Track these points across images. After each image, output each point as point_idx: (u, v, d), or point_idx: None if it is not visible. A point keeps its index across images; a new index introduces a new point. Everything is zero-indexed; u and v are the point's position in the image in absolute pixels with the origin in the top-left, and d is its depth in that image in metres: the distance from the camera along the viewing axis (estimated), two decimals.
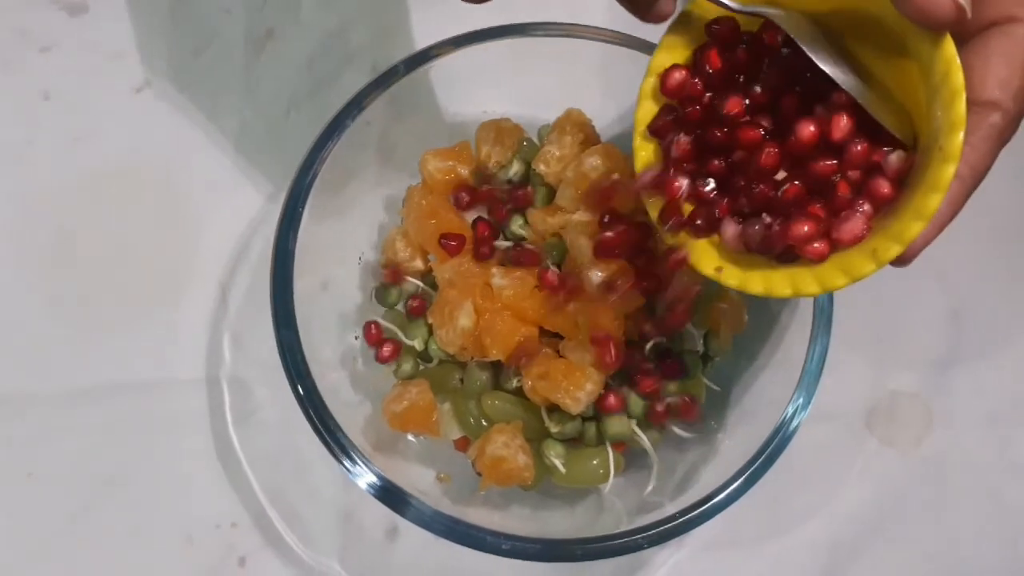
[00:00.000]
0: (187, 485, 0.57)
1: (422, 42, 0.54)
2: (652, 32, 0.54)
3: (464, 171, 0.55)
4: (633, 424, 0.52)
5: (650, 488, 0.52)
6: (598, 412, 0.52)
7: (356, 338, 0.56)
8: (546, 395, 0.50)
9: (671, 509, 0.48)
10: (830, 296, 0.51)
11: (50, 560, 0.55)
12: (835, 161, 0.40)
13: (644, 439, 0.52)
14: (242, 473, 0.57)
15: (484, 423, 0.52)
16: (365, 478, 0.48)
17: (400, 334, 0.54)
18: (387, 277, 0.56)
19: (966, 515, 0.59)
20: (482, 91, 0.55)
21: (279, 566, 0.56)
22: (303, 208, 0.50)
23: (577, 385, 0.49)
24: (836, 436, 0.60)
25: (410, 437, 0.54)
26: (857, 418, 0.61)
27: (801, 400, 0.50)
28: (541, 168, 0.55)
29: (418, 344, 0.54)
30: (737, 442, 0.51)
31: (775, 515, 0.58)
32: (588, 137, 0.55)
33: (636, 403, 0.52)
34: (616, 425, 0.51)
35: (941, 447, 0.60)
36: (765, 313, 0.54)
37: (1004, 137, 0.40)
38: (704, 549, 0.57)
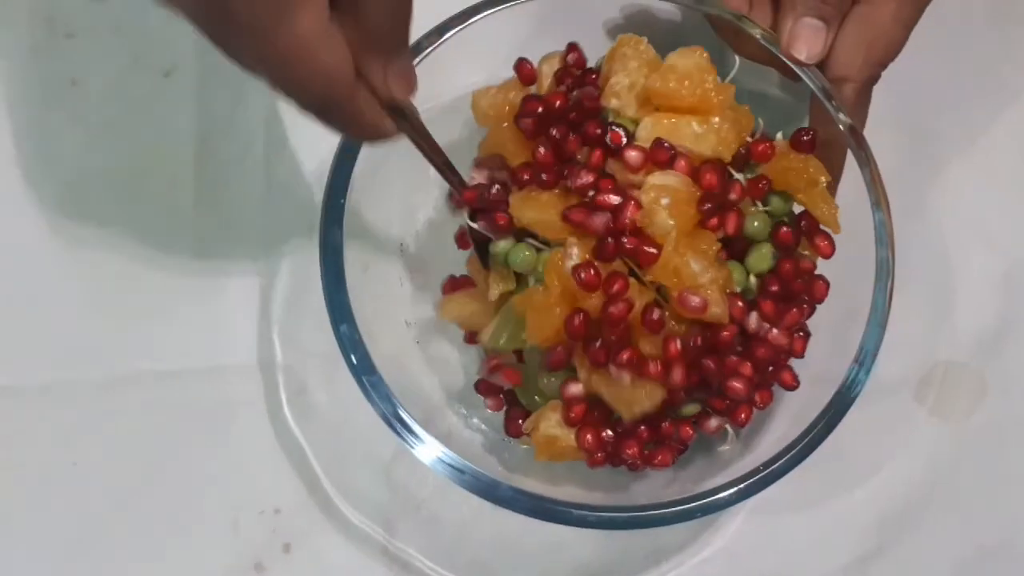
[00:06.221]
0: (231, 472, 0.57)
1: (443, 13, 0.51)
2: None
3: (519, 100, 0.50)
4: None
5: (726, 446, 0.51)
6: None
7: (407, 324, 0.56)
8: (599, 390, 0.48)
9: (747, 466, 0.48)
10: (891, 248, 0.49)
11: (96, 548, 0.56)
12: None
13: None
14: (287, 459, 0.57)
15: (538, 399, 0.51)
16: (440, 460, 0.47)
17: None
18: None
19: (1021, 489, 0.58)
20: (513, 57, 0.53)
21: (324, 552, 0.56)
22: (344, 200, 0.49)
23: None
24: (884, 408, 0.58)
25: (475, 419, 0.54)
26: (906, 389, 0.59)
27: (866, 357, 0.48)
28: (613, 103, 0.48)
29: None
30: (794, 406, 0.51)
31: (821, 489, 0.57)
32: (653, 58, 0.49)
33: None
34: (689, 408, 0.50)
35: (995, 418, 0.59)
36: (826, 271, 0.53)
37: (861, 100, 0.50)
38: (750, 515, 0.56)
